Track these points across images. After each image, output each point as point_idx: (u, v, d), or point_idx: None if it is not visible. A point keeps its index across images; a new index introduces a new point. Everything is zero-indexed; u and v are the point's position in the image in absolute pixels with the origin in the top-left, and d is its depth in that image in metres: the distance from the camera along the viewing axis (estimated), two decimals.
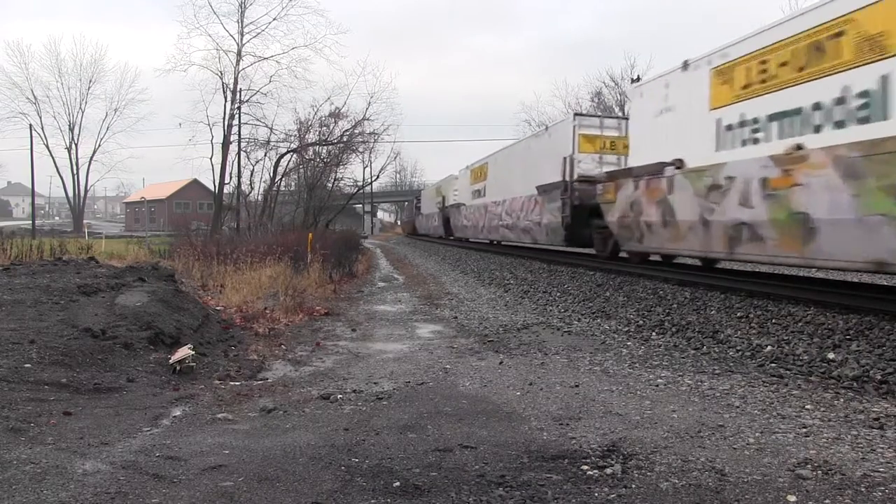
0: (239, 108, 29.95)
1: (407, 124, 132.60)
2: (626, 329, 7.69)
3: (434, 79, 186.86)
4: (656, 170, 10.35)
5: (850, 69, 6.53)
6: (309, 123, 30.36)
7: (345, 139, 30.57)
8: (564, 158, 15.12)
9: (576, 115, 16.23)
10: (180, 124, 71.28)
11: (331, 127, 30.18)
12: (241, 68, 30.28)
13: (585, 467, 3.23)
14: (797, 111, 7.32)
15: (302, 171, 32.11)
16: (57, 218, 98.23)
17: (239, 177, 30.43)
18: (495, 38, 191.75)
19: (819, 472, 3.11)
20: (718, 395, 4.68)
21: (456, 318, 9.00)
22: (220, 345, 6.72)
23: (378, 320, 8.98)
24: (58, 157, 64.31)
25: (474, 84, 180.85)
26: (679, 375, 5.30)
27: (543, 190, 16.65)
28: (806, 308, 7.12)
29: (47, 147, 59.00)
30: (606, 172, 13.30)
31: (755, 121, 8.10)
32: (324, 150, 31.22)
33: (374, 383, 5.17)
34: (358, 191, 41.20)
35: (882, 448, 3.46)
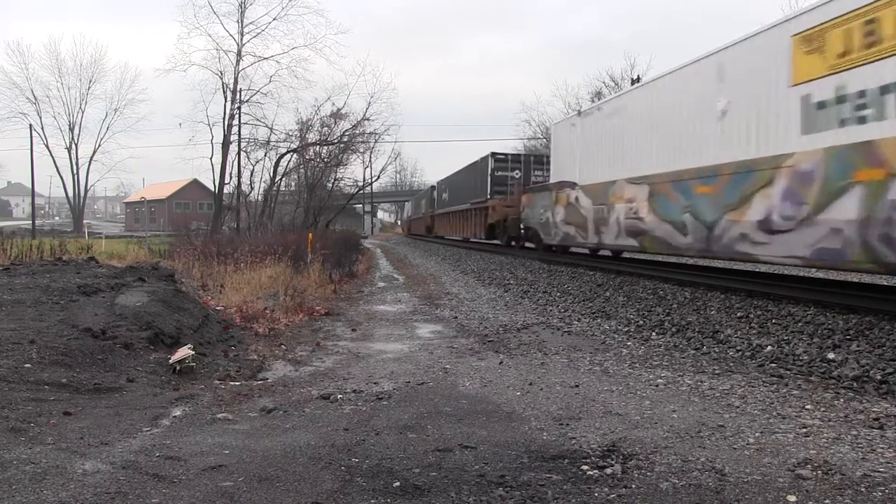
0: (239, 108, 29.96)
1: (409, 124, 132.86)
2: (626, 329, 7.69)
3: (438, 79, 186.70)
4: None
5: None
6: (309, 123, 30.38)
7: (345, 139, 30.58)
8: None
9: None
10: (180, 124, 71.22)
11: (331, 127, 30.20)
12: (241, 68, 30.30)
13: (585, 467, 3.23)
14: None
15: (302, 171, 32.11)
16: (57, 218, 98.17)
17: (239, 177, 30.46)
18: (501, 38, 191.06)
19: (819, 472, 3.11)
20: (718, 395, 4.68)
21: (456, 318, 9.00)
22: (220, 345, 6.72)
23: (378, 320, 8.98)
24: (58, 157, 64.26)
25: (478, 84, 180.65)
26: (679, 375, 5.30)
27: None
28: (806, 308, 7.12)
29: (47, 147, 58.96)
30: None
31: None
32: (324, 150, 31.24)
33: (374, 383, 5.17)
34: (358, 191, 41.12)
35: (882, 448, 3.46)
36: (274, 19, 31.06)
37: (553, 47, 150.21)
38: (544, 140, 41.26)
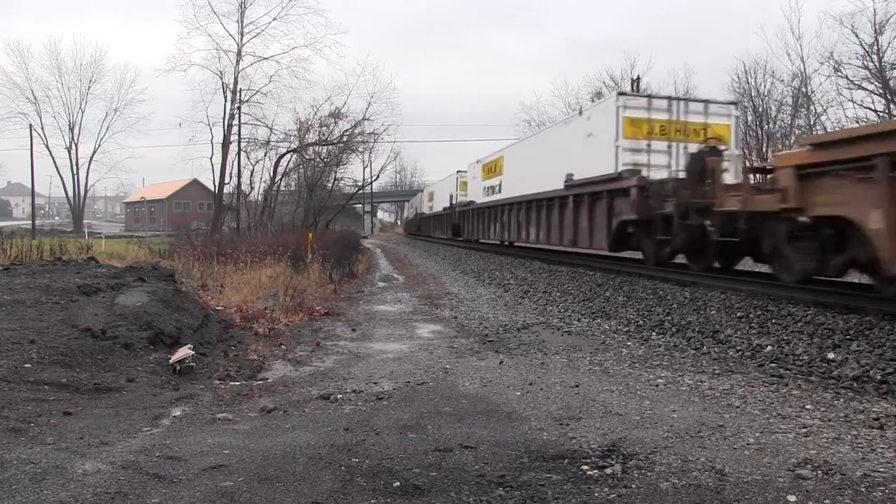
0: (239, 108, 29.96)
1: (411, 124, 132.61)
2: (626, 329, 7.69)
3: (442, 79, 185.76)
4: None
5: None
6: (309, 123, 30.40)
7: (345, 139, 30.59)
8: None
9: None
10: (180, 124, 70.69)
11: (331, 127, 30.21)
12: (241, 68, 30.30)
13: (585, 467, 3.23)
14: None
15: (302, 171, 32.12)
16: (57, 218, 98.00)
17: (239, 177, 30.47)
18: (511, 38, 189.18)
19: (819, 472, 3.11)
20: (718, 395, 4.68)
21: (456, 318, 9.00)
22: (220, 345, 6.72)
23: (378, 320, 8.98)
24: (58, 157, 63.83)
25: (484, 84, 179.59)
26: (679, 375, 5.30)
27: None
28: (806, 308, 7.12)
29: (47, 147, 58.73)
30: None
31: None
32: (324, 150, 31.25)
33: (374, 383, 5.17)
34: (358, 191, 41.10)
35: (882, 448, 3.46)
36: (274, 19, 31.04)
37: (574, 47, 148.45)
38: None
